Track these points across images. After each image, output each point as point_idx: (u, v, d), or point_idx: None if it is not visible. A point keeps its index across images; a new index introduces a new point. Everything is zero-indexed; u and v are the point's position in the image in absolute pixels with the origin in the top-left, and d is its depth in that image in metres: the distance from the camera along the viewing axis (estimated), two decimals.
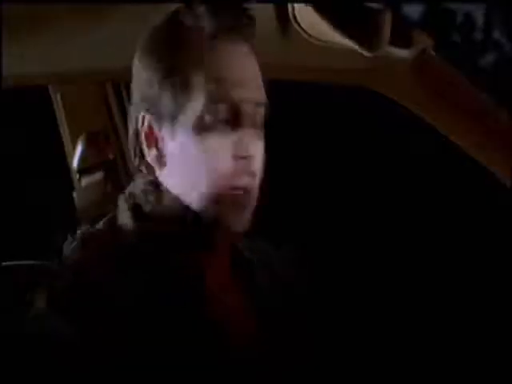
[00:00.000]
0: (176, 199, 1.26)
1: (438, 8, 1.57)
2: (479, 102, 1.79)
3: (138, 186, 1.30)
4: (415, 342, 2.10)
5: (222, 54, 1.25)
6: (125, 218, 1.28)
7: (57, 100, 2.11)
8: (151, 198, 1.27)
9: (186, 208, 1.25)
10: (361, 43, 1.62)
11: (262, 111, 1.27)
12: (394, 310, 2.18)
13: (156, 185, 1.28)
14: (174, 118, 1.24)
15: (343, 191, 2.31)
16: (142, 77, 1.26)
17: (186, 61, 1.24)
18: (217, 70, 1.24)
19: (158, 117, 1.25)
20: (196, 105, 1.23)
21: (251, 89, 1.26)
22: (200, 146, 1.23)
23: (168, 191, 1.26)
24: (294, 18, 1.63)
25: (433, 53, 1.77)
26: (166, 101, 1.24)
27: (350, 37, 1.60)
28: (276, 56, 1.71)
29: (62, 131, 2.15)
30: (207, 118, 1.23)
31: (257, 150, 1.26)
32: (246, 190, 1.25)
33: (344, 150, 2.33)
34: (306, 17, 1.62)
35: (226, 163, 1.23)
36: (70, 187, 2.08)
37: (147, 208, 1.27)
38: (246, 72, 1.26)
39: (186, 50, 1.25)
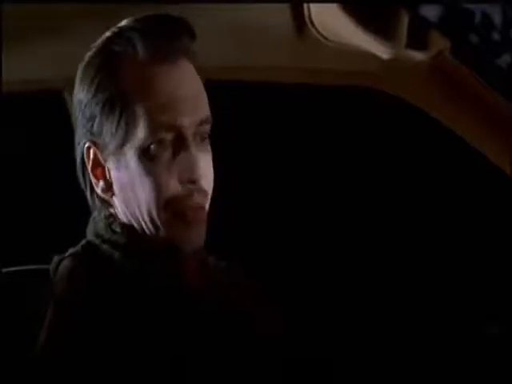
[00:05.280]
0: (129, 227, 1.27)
1: (456, 8, 1.55)
2: (495, 103, 1.79)
3: (99, 222, 1.30)
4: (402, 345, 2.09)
5: (160, 80, 1.23)
6: (105, 249, 1.28)
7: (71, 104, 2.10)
8: (117, 229, 1.28)
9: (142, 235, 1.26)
10: (377, 45, 1.62)
11: (206, 126, 1.25)
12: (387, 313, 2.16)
13: (114, 217, 1.28)
14: (117, 148, 1.23)
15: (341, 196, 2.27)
16: (83, 107, 1.26)
17: (124, 90, 1.22)
18: (156, 96, 1.22)
19: (102, 147, 1.25)
20: (138, 133, 1.22)
21: (193, 109, 1.24)
22: (145, 173, 1.23)
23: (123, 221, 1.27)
24: (311, 21, 1.64)
25: (449, 55, 1.76)
26: (109, 131, 1.24)
27: (368, 38, 1.60)
28: (293, 59, 1.71)
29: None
30: (150, 146, 1.22)
31: (205, 168, 1.25)
32: (197, 208, 1.25)
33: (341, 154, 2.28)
34: (323, 20, 1.62)
35: (173, 188, 1.23)
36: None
37: (121, 240, 1.27)
38: (186, 92, 1.24)
39: (123, 78, 1.23)
